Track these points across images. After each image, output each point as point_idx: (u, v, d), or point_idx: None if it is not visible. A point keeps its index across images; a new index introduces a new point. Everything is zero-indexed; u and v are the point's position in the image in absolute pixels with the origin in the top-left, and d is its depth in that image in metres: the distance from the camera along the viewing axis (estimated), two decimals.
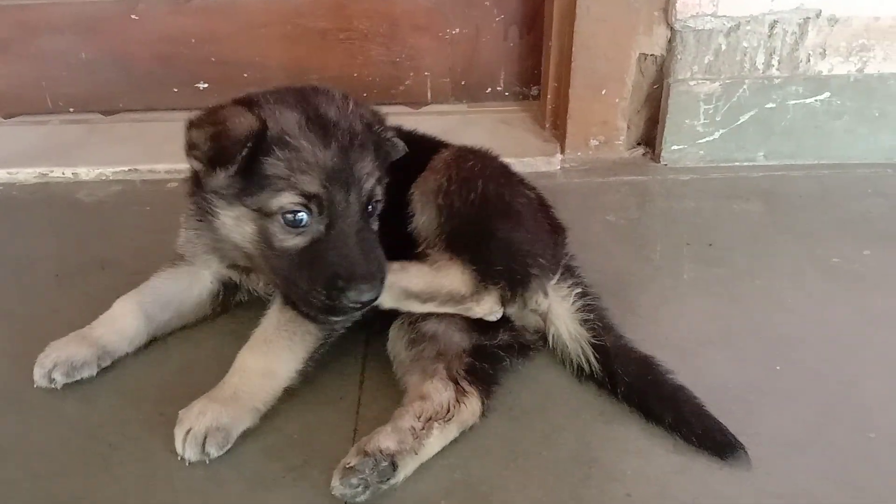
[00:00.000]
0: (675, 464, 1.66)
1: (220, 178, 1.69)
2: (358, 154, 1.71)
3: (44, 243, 2.50)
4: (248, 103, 1.72)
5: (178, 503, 1.60)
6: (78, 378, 1.87)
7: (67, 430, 1.77)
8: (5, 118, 3.27)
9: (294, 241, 1.68)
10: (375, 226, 1.79)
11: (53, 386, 1.86)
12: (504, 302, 1.83)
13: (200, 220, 1.89)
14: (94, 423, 1.78)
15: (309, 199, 1.65)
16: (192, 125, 1.72)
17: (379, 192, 1.76)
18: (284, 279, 1.73)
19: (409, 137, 2.04)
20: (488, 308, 1.81)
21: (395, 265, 1.75)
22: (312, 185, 1.65)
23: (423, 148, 2.02)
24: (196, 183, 1.82)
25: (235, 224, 1.74)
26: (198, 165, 1.73)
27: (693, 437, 1.69)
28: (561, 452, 1.70)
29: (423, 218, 1.84)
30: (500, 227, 1.83)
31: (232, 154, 1.63)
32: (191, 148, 1.71)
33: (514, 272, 1.81)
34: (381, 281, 1.68)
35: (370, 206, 1.74)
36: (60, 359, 1.87)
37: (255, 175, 1.67)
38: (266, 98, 1.74)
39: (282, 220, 1.67)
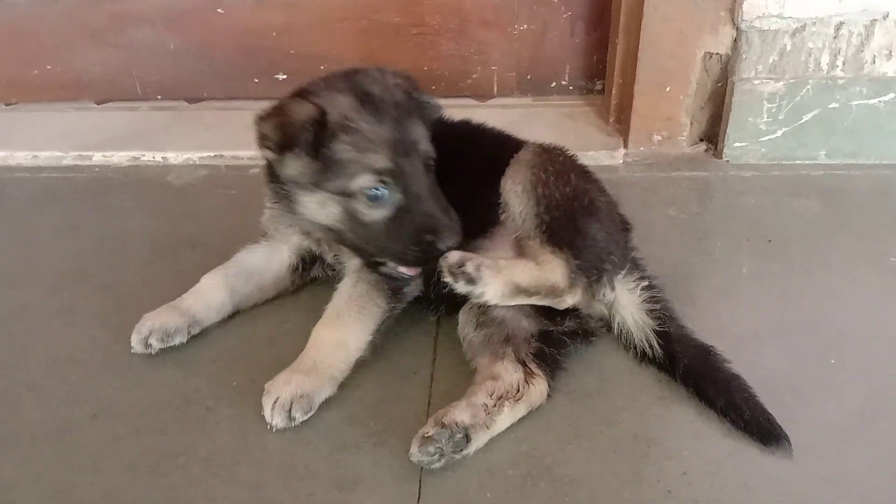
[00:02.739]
0: (730, 446, 1.74)
1: (291, 163, 1.85)
2: (408, 122, 1.87)
3: (138, 223, 2.67)
4: (304, 94, 1.88)
5: (269, 462, 1.74)
6: (171, 344, 2.03)
7: (168, 392, 1.93)
8: (98, 104, 3.48)
9: (379, 213, 1.84)
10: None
11: (149, 351, 2.01)
12: (580, 302, 1.92)
13: (277, 203, 2.07)
14: (191, 388, 1.93)
15: (382, 174, 1.81)
16: (260, 119, 1.87)
17: (432, 151, 1.91)
18: (376, 245, 1.89)
19: (478, 130, 2.19)
20: (577, 300, 1.90)
21: (503, 260, 1.85)
22: (382, 161, 1.81)
23: (492, 142, 2.16)
24: (272, 173, 1.99)
25: (320, 207, 1.89)
26: (269, 155, 1.90)
27: (741, 422, 1.76)
28: (620, 431, 1.79)
29: (521, 208, 1.94)
30: (589, 222, 1.92)
31: (296, 137, 1.79)
32: (262, 139, 1.87)
33: (596, 267, 1.90)
34: (459, 226, 1.84)
35: (429, 164, 1.89)
36: (155, 326, 2.02)
37: (328, 161, 1.82)
38: (319, 86, 1.90)
39: (364, 198, 1.83)
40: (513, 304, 1.87)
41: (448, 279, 1.79)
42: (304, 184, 1.87)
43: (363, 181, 1.81)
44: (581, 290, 1.89)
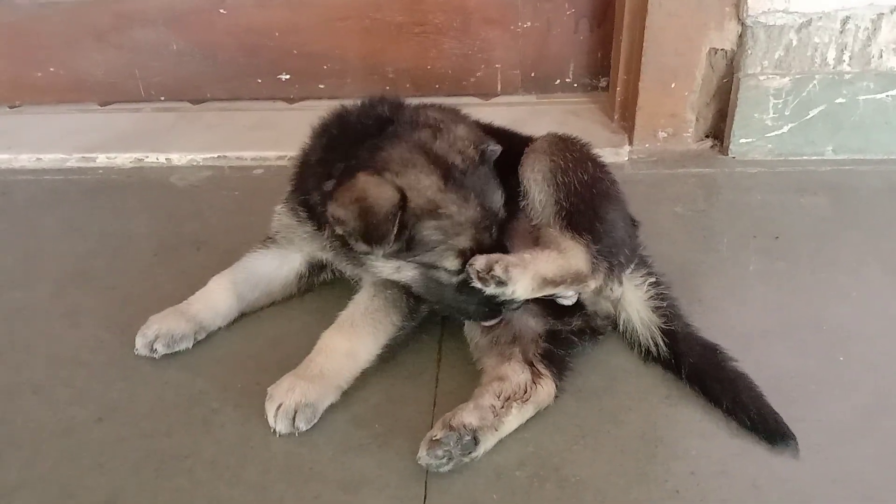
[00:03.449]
0: (737, 446, 1.74)
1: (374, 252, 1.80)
2: (487, 189, 1.86)
3: (142, 223, 2.67)
4: (378, 170, 1.78)
5: (274, 463, 1.74)
6: (176, 350, 2.03)
7: (173, 394, 1.93)
8: (101, 105, 3.48)
9: (455, 279, 1.86)
10: None
11: (153, 356, 2.01)
12: (601, 286, 1.91)
13: (295, 213, 2.05)
14: (196, 390, 1.94)
15: (465, 254, 1.80)
16: (334, 200, 1.78)
17: (502, 210, 1.91)
18: (446, 303, 1.93)
19: (486, 129, 2.16)
20: (600, 283, 1.89)
21: (527, 255, 1.83)
22: (467, 241, 1.81)
23: (500, 139, 2.14)
24: (337, 237, 1.88)
25: (394, 271, 1.89)
26: (344, 233, 1.81)
27: (747, 421, 1.75)
28: (628, 431, 1.79)
29: (541, 196, 1.93)
30: (607, 208, 1.94)
31: (385, 232, 1.73)
32: (339, 223, 1.78)
33: (614, 252, 1.90)
34: None
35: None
36: (161, 331, 2.02)
37: (411, 240, 1.79)
38: (392, 159, 1.80)
39: (444, 271, 1.85)
40: (540, 296, 1.85)
41: (477, 284, 1.77)
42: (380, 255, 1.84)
43: (448, 263, 1.82)
44: (603, 273, 1.88)
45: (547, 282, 1.81)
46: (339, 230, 1.81)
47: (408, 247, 1.79)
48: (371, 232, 1.74)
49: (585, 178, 1.94)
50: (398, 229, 1.74)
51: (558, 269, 1.83)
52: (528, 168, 1.98)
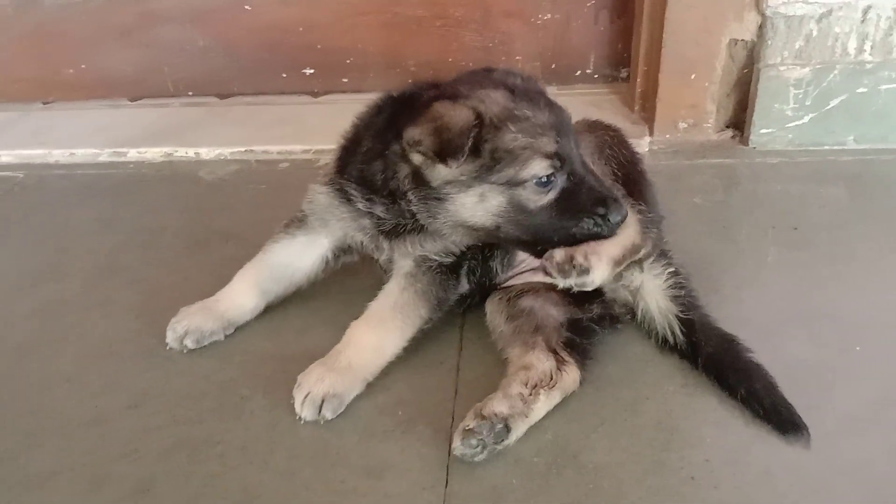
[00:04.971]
0: (752, 434, 1.76)
1: (451, 168, 1.78)
2: (556, 105, 1.87)
3: (172, 217, 2.74)
4: (451, 96, 1.81)
5: (302, 449, 1.79)
6: (205, 344, 2.09)
7: (203, 383, 1.99)
8: (131, 101, 3.57)
9: (547, 198, 1.82)
10: None
11: (183, 350, 2.08)
12: (649, 254, 1.97)
13: (336, 192, 2.03)
14: (226, 378, 2.00)
15: (552, 158, 1.79)
16: (412, 126, 1.79)
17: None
18: (541, 233, 1.85)
19: None
20: (649, 248, 1.94)
21: (593, 244, 1.83)
22: (551, 145, 1.78)
23: None
24: (415, 179, 1.86)
25: (478, 201, 1.82)
26: (420, 160, 1.82)
27: (761, 411, 1.77)
28: (644, 420, 1.82)
29: (594, 169, 1.96)
30: (646, 186, 2.01)
31: (460, 145, 1.73)
32: (414, 145, 1.79)
33: (653, 229, 1.95)
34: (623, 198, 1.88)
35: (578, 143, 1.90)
36: (191, 327, 2.08)
37: (493, 154, 1.77)
38: (460, 91, 1.83)
39: (533, 185, 1.80)
40: (612, 276, 1.89)
41: (556, 277, 1.80)
42: (464, 180, 1.81)
43: (537, 168, 1.78)
44: (651, 242, 1.93)
45: (616, 262, 1.85)
46: (415, 157, 1.82)
47: (492, 161, 1.78)
48: (446, 146, 1.74)
49: (627, 153, 2.02)
50: (478, 142, 1.75)
51: (621, 248, 1.86)
52: None
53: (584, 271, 1.79)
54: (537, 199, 1.82)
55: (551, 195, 1.82)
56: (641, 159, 2.13)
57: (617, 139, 2.09)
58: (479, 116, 1.76)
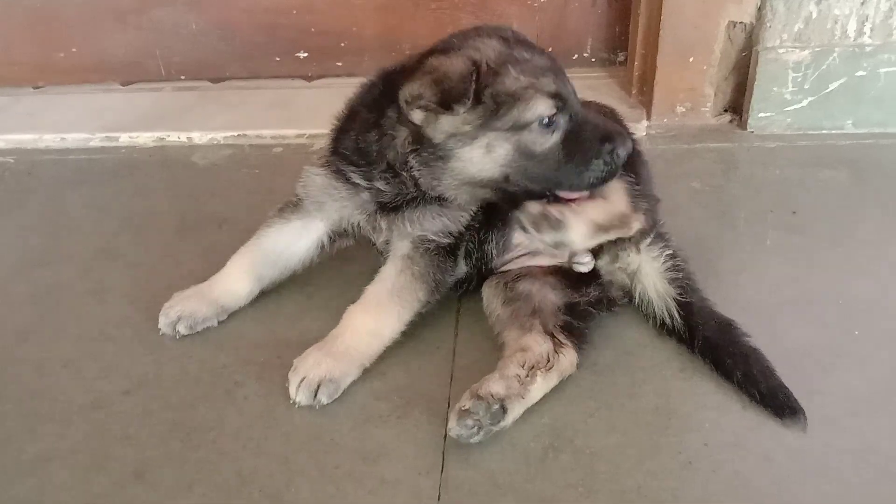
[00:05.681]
0: (750, 418, 1.75)
1: (457, 115, 1.75)
2: (549, 53, 1.87)
3: (164, 202, 2.72)
4: (444, 51, 1.81)
5: (296, 435, 1.78)
6: (198, 330, 2.07)
7: (197, 368, 1.97)
8: (123, 85, 3.53)
9: (552, 140, 1.81)
10: None
11: (176, 336, 2.06)
12: (645, 230, 1.94)
13: (333, 173, 2.01)
14: (220, 363, 1.98)
15: (554, 97, 1.77)
16: (409, 82, 1.77)
17: None
18: (550, 178, 1.83)
19: None
20: (642, 223, 1.92)
21: (575, 206, 1.84)
22: (552, 84, 1.78)
23: None
24: (416, 140, 1.84)
25: (485, 152, 1.80)
26: (420, 117, 1.79)
27: (757, 395, 1.76)
28: (642, 404, 1.81)
29: None
30: (642, 163, 2.00)
31: (464, 90, 1.71)
32: (414, 100, 1.76)
33: (648, 203, 1.94)
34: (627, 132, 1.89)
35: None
36: (184, 313, 2.06)
37: (495, 99, 1.75)
38: (452, 43, 1.83)
39: (538, 127, 1.78)
40: (593, 245, 1.88)
41: (531, 230, 1.79)
42: (468, 131, 1.78)
43: (541, 107, 1.76)
44: (643, 215, 1.92)
45: (599, 227, 1.84)
46: (415, 114, 1.79)
47: (495, 106, 1.76)
48: (448, 93, 1.72)
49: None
50: (479, 89, 1.73)
51: (606, 214, 1.85)
52: None
53: (557, 226, 1.77)
54: (543, 142, 1.81)
55: (556, 136, 1.81)
56: (638, 141, 2.11)
57: (610, 116, 2.08)
58: (475, 63, 1.74)
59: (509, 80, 1.76)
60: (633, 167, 1.95)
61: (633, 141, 1.97)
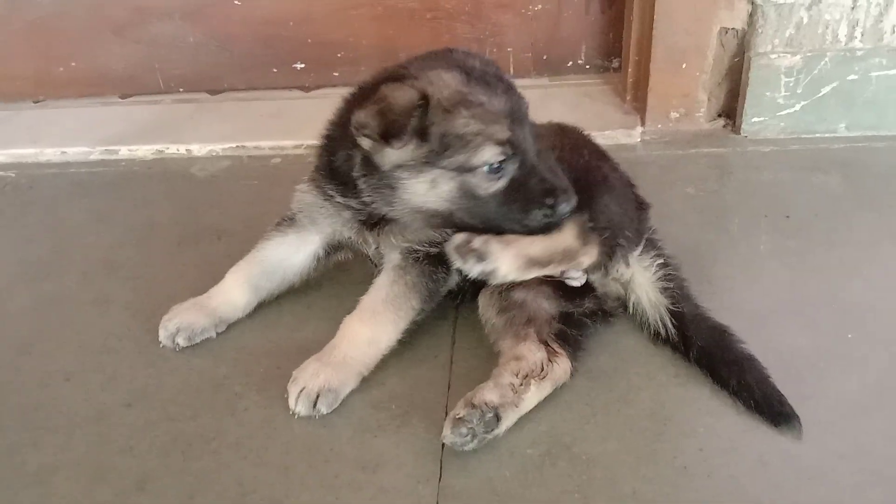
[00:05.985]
0: (745, 423, 1.76)
1: (395, 150, 1.77)
2: (514, 92, 1.85)
3: (164, 213, 2.74)
4: (399, 77, 1.81)
5: (296, 445, 1.79)
6: (197, 342, 2.09)
7: (197, 380, 1.99)
8: (122, 98, 3.55)
9: (497, 186, 1.81)
10: None
11: (175, 348, 2.08)
12: (597, 263, 1.91)
13: (317, 190, 2.04)
14: (220, 375, 2.00)
15: (504, 145, 1.77)
16: (358, 109, 1.78)
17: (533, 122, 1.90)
18: (490, 221, 1.84)
19: None
20: (594, 257, 1.89)
21: (511, 237, 1.83)
22: (503, 132, 1.77)
23: None
24: (367, 165, 1.87)
25: (430, 187, 1.82)
26: (368, 144, 1.81)
27: (752, 402, 1.77)
28: (637, 410, 1.82)
29: None
30: (601, 194, 1.94)
31: (403, 125, 1.72)
32: (360, 128, 1.77)
33: (608, 237, 1.91)
34: (572, 189, 1.84)
35: (533, 132, 1.88)
36: (183, 325, 2.08)
37: (443, 139, 1.76)
38: (412, 67, 1.84)
39: (485, 171, 1.79)
40: (530, 276, 1.84)
41: (457, 261, 1.80)
42: (414, 164, 1.80)
43: (488, 154, 1.77)
44: (597, 248, 1.88)
45: (533, 261, 1.82)
46: (363, 141, 1.80)
47: (442, 147, 1.76)
48: (389, 126, 1.72)
49: (581, 162, 1.98)
50: (426, 125, 1.74)
51: (544, 248, 1.83)
52: None
53: (481, 258, 1.77)
54: (488, 186, 1.81)
55: (501, 182, 1.81)
56: (605, 164, 2.08)
57: (574, 146, 2.04)
58: (424, 97, 1.74)
59: (459, 122, 1.76)
60: (589, 196, 1.91)
61: (601, 175, 1.98)
